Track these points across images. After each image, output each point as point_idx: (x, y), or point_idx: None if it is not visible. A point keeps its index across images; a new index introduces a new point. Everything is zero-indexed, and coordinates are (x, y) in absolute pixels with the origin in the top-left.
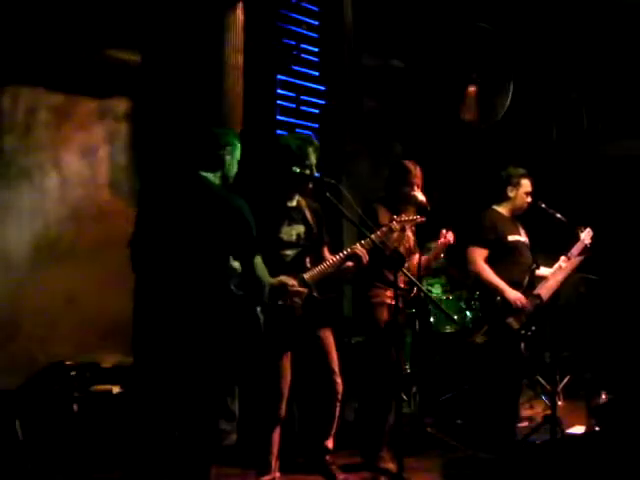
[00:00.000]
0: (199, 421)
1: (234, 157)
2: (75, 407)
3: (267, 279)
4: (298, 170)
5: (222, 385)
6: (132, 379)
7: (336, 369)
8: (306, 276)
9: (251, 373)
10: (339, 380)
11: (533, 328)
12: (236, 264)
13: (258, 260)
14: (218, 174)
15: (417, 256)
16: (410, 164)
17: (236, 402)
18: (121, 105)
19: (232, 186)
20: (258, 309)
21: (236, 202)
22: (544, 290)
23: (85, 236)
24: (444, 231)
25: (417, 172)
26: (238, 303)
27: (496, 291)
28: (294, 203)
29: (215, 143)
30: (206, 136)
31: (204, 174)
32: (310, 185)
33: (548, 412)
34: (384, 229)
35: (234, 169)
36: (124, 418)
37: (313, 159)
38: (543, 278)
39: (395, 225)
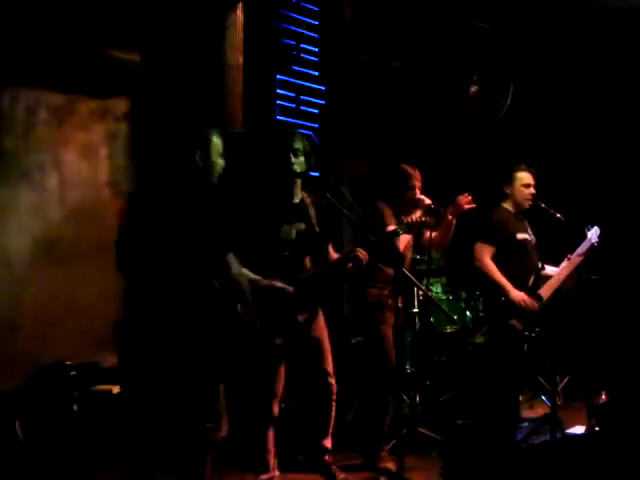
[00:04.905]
0: (181, 417)
1: (211, 156)
2: (75, 407)
3: (245, 277)
4: (299, 170)
5: (203, 382)
6: (124, 378)
7: (330, 370)
8: (303, 276)
9: (243, 372)
10: (333, 381)
11: (537, 329)
12: (233, 260)
13: (230, 258)
14: (197, 174)
15: (427, 233)
16: (409, 168)
17: (221, 400)
18: (121, 105)
19: (231, 184)
20: (238, 306)
21: (210, 203)
22: (545, 290)
23: (85, 236)
24: (461, 197)
25: (417, 175)
26: (218, 299)
27: (500, 290)
28: (297, 200)
29: (187, 146)
30: (183, 137)
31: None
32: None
33: (548, 412)
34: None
35: (216, 166)
36: (124, 418)
37: (299, 145)
38: (549, 277)
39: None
